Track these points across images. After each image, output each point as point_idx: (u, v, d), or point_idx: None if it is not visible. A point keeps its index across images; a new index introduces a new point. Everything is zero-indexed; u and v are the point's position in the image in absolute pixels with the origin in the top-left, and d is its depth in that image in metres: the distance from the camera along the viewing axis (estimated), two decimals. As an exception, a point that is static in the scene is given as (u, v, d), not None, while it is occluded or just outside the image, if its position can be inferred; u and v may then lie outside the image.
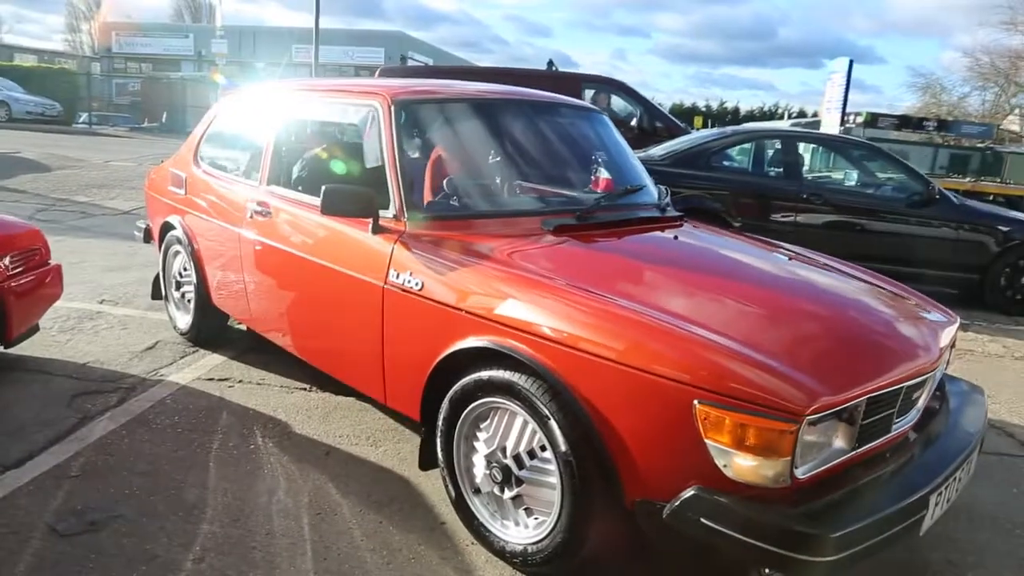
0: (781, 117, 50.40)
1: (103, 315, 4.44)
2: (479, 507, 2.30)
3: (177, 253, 4.01)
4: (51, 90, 23.30)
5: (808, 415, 1.75)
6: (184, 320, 4.02)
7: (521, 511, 2.20)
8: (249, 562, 2.17)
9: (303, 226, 2.90)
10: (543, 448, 2.10)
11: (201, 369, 3.65)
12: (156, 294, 4.34)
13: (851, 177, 7.31)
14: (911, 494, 1.93)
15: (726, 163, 6.92)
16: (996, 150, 24.42)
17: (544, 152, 3.06)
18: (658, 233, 2.81)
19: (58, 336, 4.00)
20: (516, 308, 2.11)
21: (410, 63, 12.27)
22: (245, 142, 3.61)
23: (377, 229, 2.53)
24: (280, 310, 3.16)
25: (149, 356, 3.80)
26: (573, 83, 9.05)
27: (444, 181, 2.64)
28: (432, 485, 2.65)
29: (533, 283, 2.17)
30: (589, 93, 9.19)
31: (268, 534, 2.32)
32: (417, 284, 2.34)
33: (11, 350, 3.52)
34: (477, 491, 2.32)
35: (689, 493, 1.81)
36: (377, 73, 9.38)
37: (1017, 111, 32.12)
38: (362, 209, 2.49)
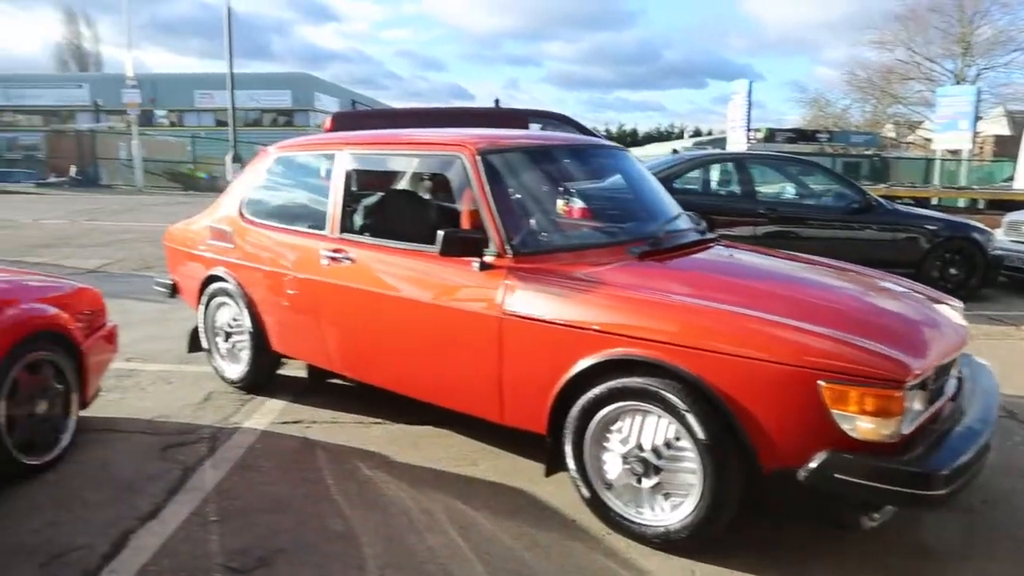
0: (680, 136, 52.90)
1: (139, 372, 4.50)
2: (613, 500, 2.62)
3: (223, 304, 4.15)
4: (-55, 150, 22.12)
5: (908, 383, 2.19)
6: (235, 369, 4.15)
7: (659, 496, 2.53)
8: (428, 574, 2.41)
9: (396, 270, 3.16)
10: (678, 438, 2.44)
11: (270, 414, 3.81)
12: (194, 347, 4.44)
13: (796, 191, 8.02)
14: (978, 438, 2.41)
15: (687, 186, 7.49)
16: (883, 156, 26.63)
17: (602, 188, 3.43)
18: (715, 251, 3.23)
19: (109, 395, 4.04)
20: (647, 322, 2.46)
21: (358, 107, 12.47)
22: (306, 194, 3.83)
23: (483, 267, 2.83)
24: (369, 348, 3.39)
25: (210, 407, 3.92)
26: (521, 118, 9.48)
27: (532, 219, 2.96)
28: (546, 491, 2.94)
29: (653, 299, 2.53)
30: (535, 127, 9.65)
31: (428, 549, 2.56)
32: (539, 311, 2.65)
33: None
34: (609, 486, 2.63)
35: (823, 456, 2.22)
36: (330, 119, 9.54)
37: (893, 120, 34.93)
38: (475, 249, 2.79)
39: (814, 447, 2.25)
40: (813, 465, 2.23)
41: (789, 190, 8.50)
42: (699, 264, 3.03)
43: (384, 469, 3.17)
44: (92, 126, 27.59)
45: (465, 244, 2.79)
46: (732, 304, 2.48)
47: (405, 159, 3.37)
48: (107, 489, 2.96)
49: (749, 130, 23.34)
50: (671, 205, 3.58)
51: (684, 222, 3.45)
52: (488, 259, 2.84)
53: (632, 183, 3.63)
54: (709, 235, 3.46)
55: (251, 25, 78.84)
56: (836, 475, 2.21)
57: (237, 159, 20.57)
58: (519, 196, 3.04)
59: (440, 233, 2.75)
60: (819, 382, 2.21)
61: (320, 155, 3.81)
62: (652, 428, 2.50)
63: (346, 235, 3.44)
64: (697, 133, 52.84)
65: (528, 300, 2.69)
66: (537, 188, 3.18)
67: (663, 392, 2.41)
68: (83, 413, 3.60)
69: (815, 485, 2.25)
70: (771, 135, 29.44)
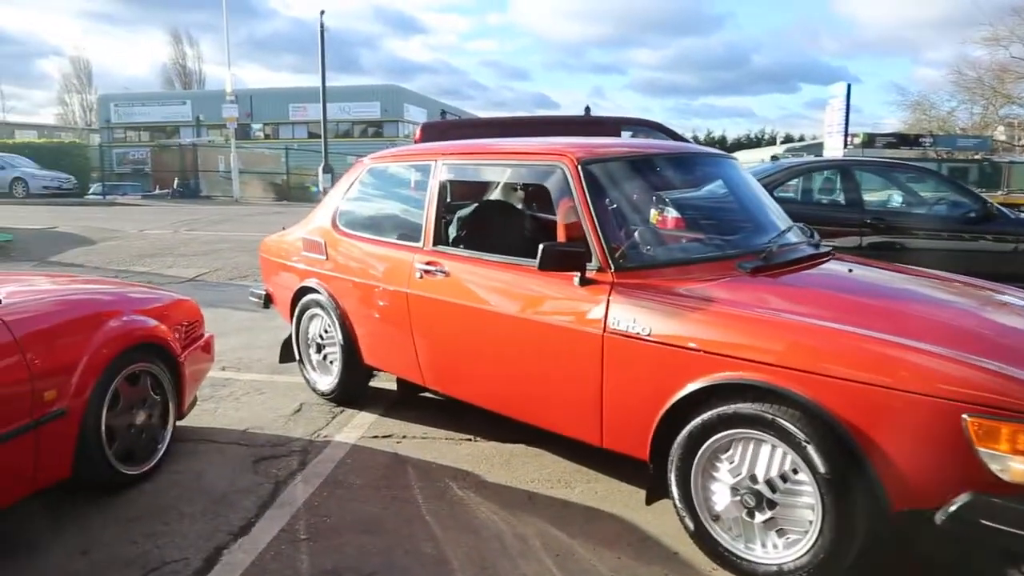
0: (771, 143, 51.36)
1: (233, 382, 4.56)
2: (721, 534, 2.43)
3: (315, 316, 4.15)
4: (63, 164, 23.63)
5: None
6: (326, 381, 4.14)
7: (772, 532, 2.32)
8: (523, 605, 2.28)
9: (492, 283, 3.06)
10: (795, 471, 2.24)
11: (360, 428, 3.77)
12: (286, 357, 4.47)
13: (904, 199, 7.55)
14: None
15: (785, 194, 7.15)
16: (994, 161, 25.07)
17: (707, 198, 3.24)
18: (830, 266, 2.99)
19: (204, 405, 4.10)
20: (762, 343, 2.27)
21: (448, 117, 12.56)
22: (399, 205, 3.79)
23: (585, 281, 2.69)
24: (462, 363, 3.30)
25: (302, 419, 3.92)
26: (613, 126, 9.31)
27: (636, 232, 2.81)
28: (645, 519, 2.77)
29: (768, 318, 2.33)
30: (627, 135, 9.45)
31: (524, 577, 2.43)
32: (644, 329, 2.49)
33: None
34: (716, 519, 2.44)
35: (965, 498, 1.98)
36: (419, 129, 9.62)
37: (1006, 121, 32.87)
38: (576, 264, 2.66)
39: (955, 488, 2.02)
40: (953, 508, 2.00)
41: (896, 198, 8.01)
42: (815, 280, 2.80)
43: (475, 489, 3.07)
44: (193, 140, 29.01)
45: (566, 258, 2.66)
46: (855, 325, 2.26)
47: (501, 169, 3.28)
48: (201, 501, 2.96)
49: (847, 135, 22.40)
50: (781, 216, 3.35)
51: (796, 235, 3.22)
52: (590, 273, 2.70)
53: (739, 193, 3.42)
54: (823, 248, 3.21)
55: (341, 40, 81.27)
56: (982, 521, 1.97)
57: (328, 170, 21.15)
58: (621, 207, 2.88)
59: (540, 247, 2.63)
60: (963, 416, 1.97)
61: (414, 166, 3.76)
62: (767, 459, 2.30)
63: (440, 247, 3.37)
64: (788, 139, 51.25)
65: (632, 317, 2.53)
66: (640, 199, 3.03)
67: (779, 420, 2.21)
68: (180, 423, 3.67)
69: (955, 530, 2.01)
70: (870, 140, 28.21)
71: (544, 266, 2.65)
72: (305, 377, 4.31)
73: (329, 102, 24.77)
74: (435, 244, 3.38)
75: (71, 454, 2.72)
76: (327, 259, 4.00)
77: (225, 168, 24.49)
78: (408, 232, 3.58)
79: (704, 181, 3.39)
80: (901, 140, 29.33)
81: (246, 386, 4.47)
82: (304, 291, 4.16)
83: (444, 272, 3.25)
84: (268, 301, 4.71)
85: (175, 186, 24.55)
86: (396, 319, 3.52)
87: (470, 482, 3.13)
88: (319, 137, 23.59)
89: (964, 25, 53.65)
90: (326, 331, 4.10)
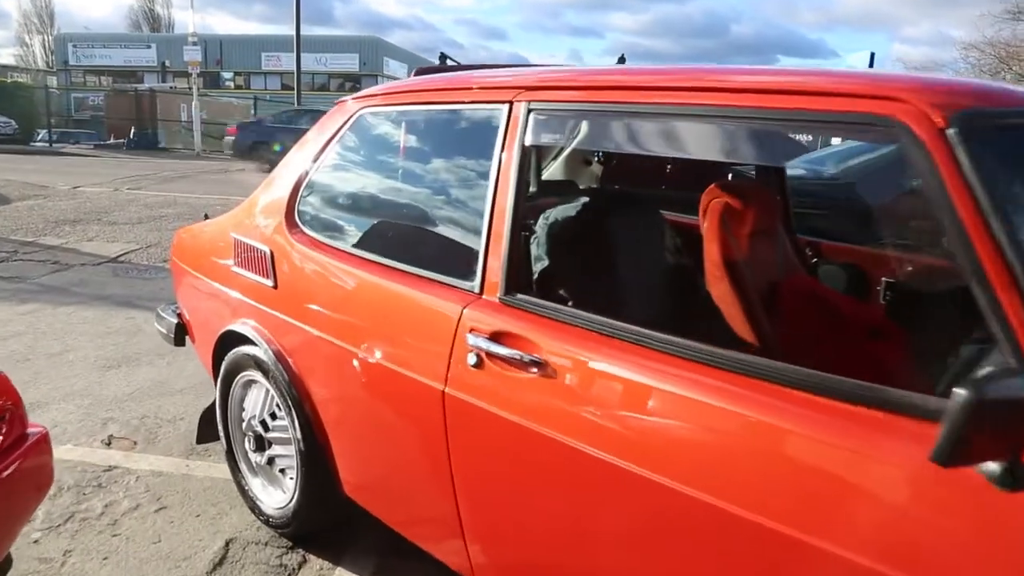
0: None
1: (118, 477, 2.67)
2: None
3: (253, 383, 2.29)
4: (5, 106, 21.11)
5: None
6: (274, 501, 2.29)
7: None
8: None
9: (689, 419, 1.20)
10: None
11: (332, 627, 1.93)
12: (205, 435, 2.61)
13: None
14: None
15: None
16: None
17: None
18: None
19: (44, 544, 2.24)
20: None
21: (448, 63, 10.51)
22: (422, 196, 1.90)
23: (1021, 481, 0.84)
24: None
25: (221, 587, 2.07)
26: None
27: None
28: None
29: None
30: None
31: None
32: None
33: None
34: None
35: None
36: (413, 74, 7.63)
37: None
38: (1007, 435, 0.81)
39: None
40: None
41: None
42: None
43: None
44: (152, 86, 26.38)
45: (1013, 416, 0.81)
46: None
47: (708, 129, 1.36)
48: None
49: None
50: None
51: None
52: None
53: None
54: None
55: (314, -11, 77.05)
56: None
57: (300, 125, 18.93)
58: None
59: (960, 394, 0.77)
60: None
61: (461, 113, 1.87)
62: None
63: (525, 300, 1.49)
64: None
65: None
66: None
67: None
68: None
69: None
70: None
71: (954, 456, 0.79)
72: (240, 485, 2.45)
73: (305, 52, 22.45)
74: (509, 291, 1.50)
75: None
76: (276, 287, 2.11)
77: (187, 118, 22.09)
78: (445, 254, 1.71)
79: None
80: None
81: (137, 490, 2.59)
82: (233, 339, 2.28)
83: (538, 363, 1.38)
84: (182, 333, 2.82)
85: (131, 136, 22.09)
86: (418, 440, 1.66)
87: None
88: (292, 89, 21.28)
89: (943, 3, 51.45)
90: (274, 415, 2.23)
